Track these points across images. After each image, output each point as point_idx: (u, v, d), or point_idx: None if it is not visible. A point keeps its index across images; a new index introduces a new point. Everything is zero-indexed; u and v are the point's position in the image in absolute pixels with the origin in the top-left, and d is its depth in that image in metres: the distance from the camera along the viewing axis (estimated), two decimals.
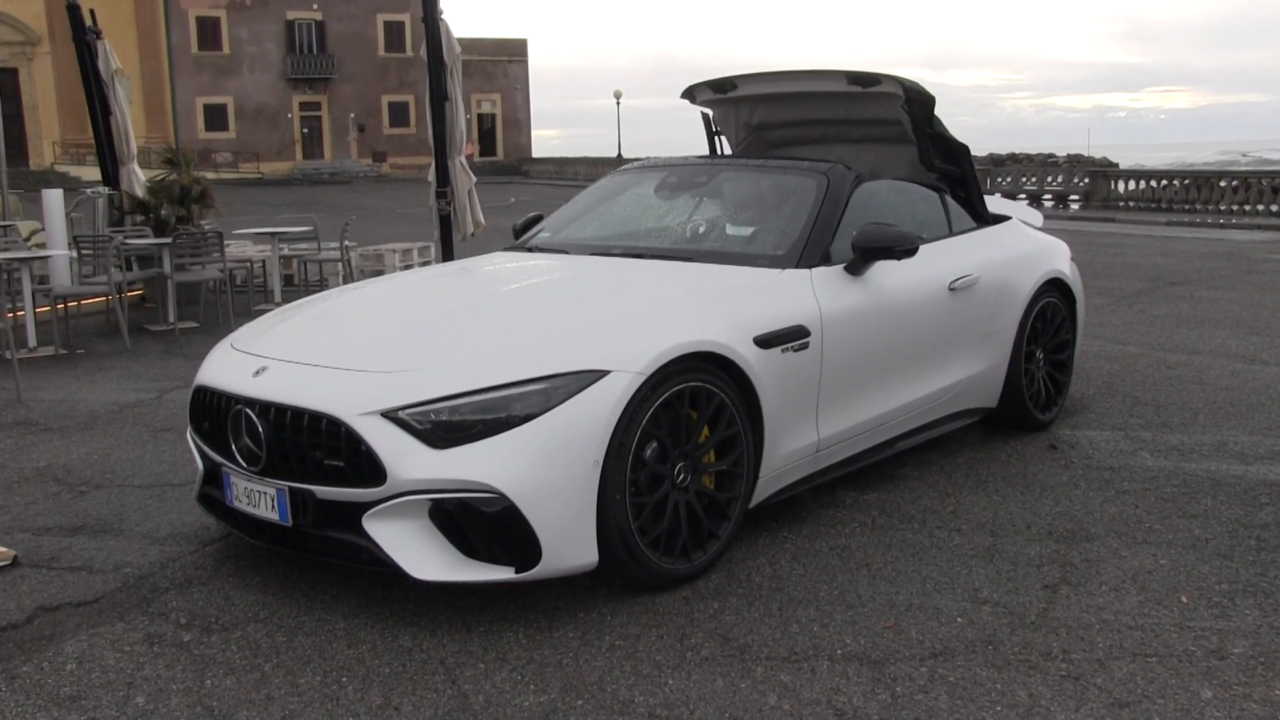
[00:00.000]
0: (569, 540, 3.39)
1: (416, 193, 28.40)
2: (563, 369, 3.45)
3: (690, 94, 6.28)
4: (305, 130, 60.42)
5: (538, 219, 5.68)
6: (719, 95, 6.17)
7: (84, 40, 11.46)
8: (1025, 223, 6.07)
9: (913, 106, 5.38)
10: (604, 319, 3.84)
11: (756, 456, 3.98)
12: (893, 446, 4.80)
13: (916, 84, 5.33)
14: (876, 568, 3.89)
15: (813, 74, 5.77)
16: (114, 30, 17.03)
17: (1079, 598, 3.62)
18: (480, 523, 3.33)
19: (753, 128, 6.37)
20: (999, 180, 30.60)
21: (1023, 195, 29.46)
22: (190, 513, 4.55)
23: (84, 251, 9.81)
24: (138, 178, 11.74)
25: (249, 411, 3.61)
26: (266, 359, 3.82)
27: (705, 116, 6.41)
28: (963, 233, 5.46)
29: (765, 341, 3.94)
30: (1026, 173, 32.07)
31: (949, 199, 5.55)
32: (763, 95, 6.09)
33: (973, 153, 5.77)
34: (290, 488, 3.52)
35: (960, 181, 5.63)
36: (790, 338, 4.05)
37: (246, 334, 4.32)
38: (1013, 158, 45.47)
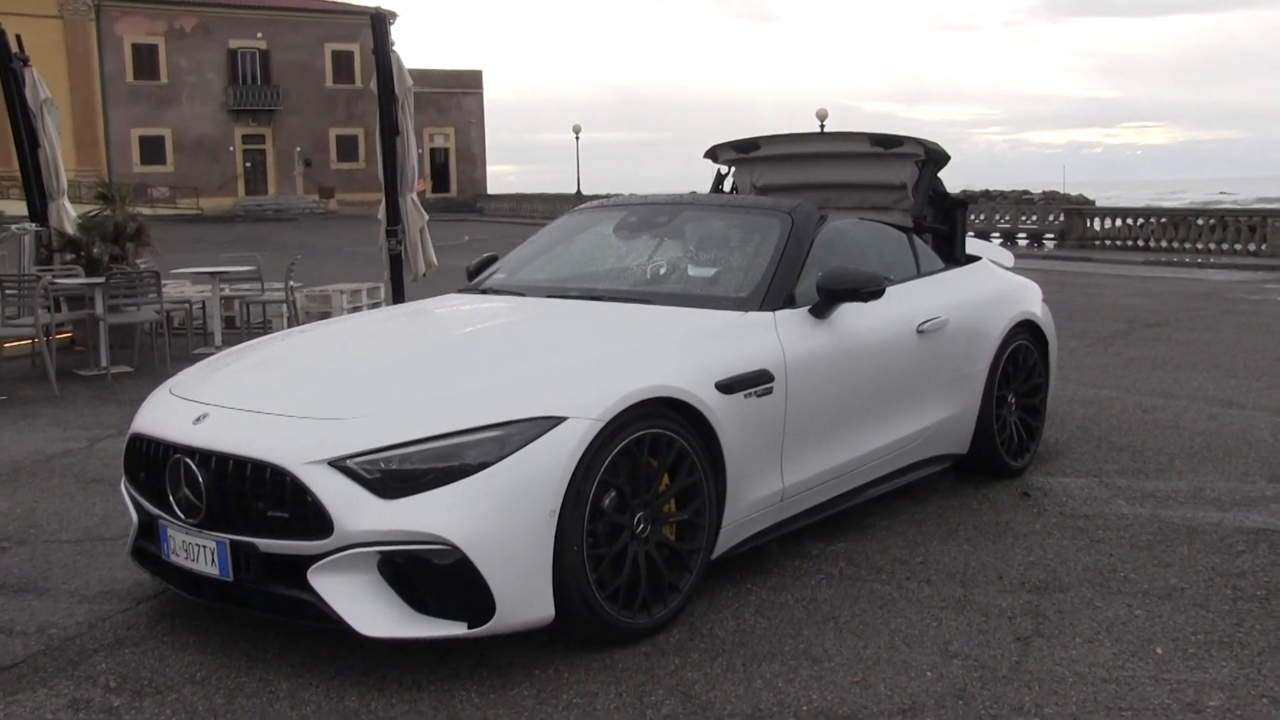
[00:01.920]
0: (524, 594, 3.42)
1: (366, 231, 28.33)
2: (517, 415, 3.49)
3: (713, 154, 6.67)
4: (248, 164, 60.25)
5: (492, 259, 5.74)
6: (741, 155, 6.51)
7: (9, 67, 11.40)
8: (996, 263, 6.22)
9: (927, 166, 5.81)
10: (560, 364, 3.90)
11: (719, 506, 4.03)
12: (861, 494, 4.87)
13: (937, 144, 5.79)
14: (844, 620, 3.95)
15: (835, 136, 6.30)
16: (42, 57, 16.94)
17: (1052, 650, 3.69)
18: (431, 576, 3.36)
19: (758, 190, 6.59)
20: (972, 218, 31.16)
21: (997, 234, 29.99)
22: (123, 568, 4.52)
23: (8, 292, 9.71)
24: (68, 213, 11.67)
25: (188, 461, 3.62)
26: (207, 405, 3.84)
27: (719, 174, 6.72)
28: (931, 274, 5.59)
29: (727, 386, 4.01)
30: (1000, 210, 32.67)
31: (916, 239, 5.70)
32: (771, 157, 6.43)
33: (945, 188, 6.04)
34: (231, 540, 3.52)
35: (948, 236, 5.91)
36: (753, 382, 4.12)
37: (186, 379, 4.34)
38: (986, 195, 46.34)
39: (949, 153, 5.87)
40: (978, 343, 5.49)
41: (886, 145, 5.93)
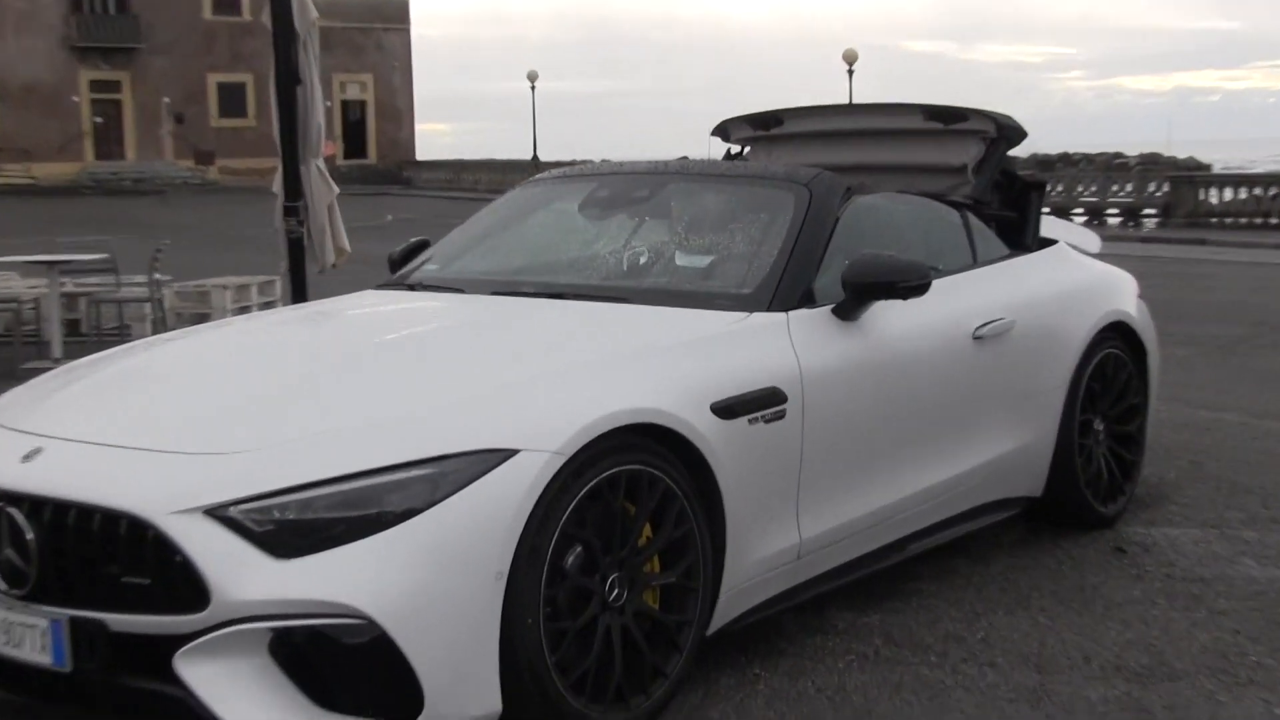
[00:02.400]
0: (462, 682, 3.42)
1: (257, 208, 28.24)
2: (455, 448, 3.50)
3: (723, 131, 6.75)
4: (98, 119, 60.14)
5: (423, 245, 5.76)
6: (760, 133, 6.58)
7: None
8: (1077, 248, 6.26)
9: (997, 145, 5.92)
10: (511, 381, 3.92)
11: (717, 565, 4.05)
12: (901, 550, 4.90)
13: (1009, 118, 5.91)
14: (881, 715, 3.96)
15: (880, 108, 6.42)
16: None
17: None
18: (340, 659, 3.35)
19: None
20: (1047, 189, 31.39)
21: (1079, 210, 30.16)
22: None
23: None
24: None
25: (13, 511, 3.60)
26: (41, 437, 3.82)
27: (728, 154, 6.79)
28: (992, 262, 5.63)
29: (727, 410, 4.03)
30: (1084, 179, 32.92)
31: (972, 218, 5.73)
32: (797, 135, 6.52)
33: (1011, 154, 6.17)
34: (71, 617, 3.49)
35: (1017, 224, 5.99)
36: (761, 404, 4.14)
37: (12, 403, 4.33)
38: (1065, 159, 46.52)
39: (1025, 129, 5.96)
40: (1054, 351, 5.53)
41: (946, 120, 6.01)
